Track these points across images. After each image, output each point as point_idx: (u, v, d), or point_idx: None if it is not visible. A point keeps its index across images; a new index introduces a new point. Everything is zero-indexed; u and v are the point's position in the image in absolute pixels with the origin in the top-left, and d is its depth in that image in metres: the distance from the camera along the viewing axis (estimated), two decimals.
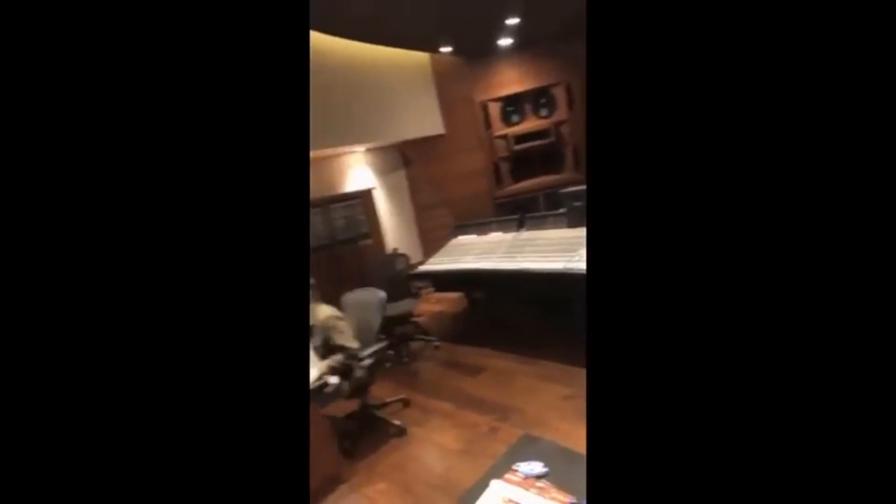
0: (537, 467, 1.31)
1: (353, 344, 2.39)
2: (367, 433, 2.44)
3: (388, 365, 2.57)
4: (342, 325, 2.39)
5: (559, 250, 2.96)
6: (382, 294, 2.54)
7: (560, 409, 2.34)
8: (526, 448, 1.47)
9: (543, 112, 4.86)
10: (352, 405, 2.53)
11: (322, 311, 2.40)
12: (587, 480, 0.66)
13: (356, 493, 2.03)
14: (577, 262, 2.68)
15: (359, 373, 2.30)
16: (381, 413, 2.55)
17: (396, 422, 2.47)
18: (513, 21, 4.04)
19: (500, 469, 1.36)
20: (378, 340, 2.42)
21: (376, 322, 2.47)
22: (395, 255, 4.25)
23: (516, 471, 1.32)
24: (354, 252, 4.10)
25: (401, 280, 3.63)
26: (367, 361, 2.31)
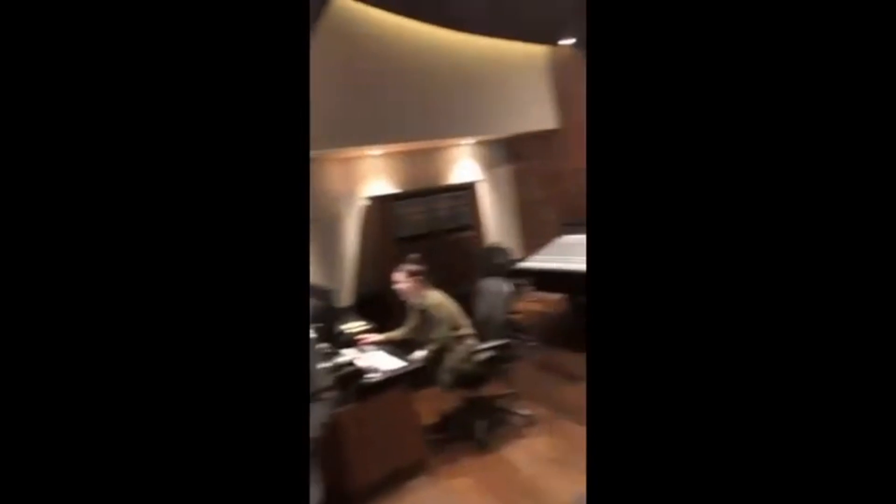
0: None
1: (468, 330, 2.32)
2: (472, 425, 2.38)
3: (505, 367, 2.39)
4: (452, 310, 2.33)
5: None
6: (509, 287, 2.41)
7: None
8: None
9: None
10: (455, 398, 2.45)
11: (433, 297, 2.35)
12: (587, 486, 0.67)
13: (438, 486, 1.99)
14: None
15: (466, 366, 2.23)
16: (501, 403, 2.46)
17: (525, 412, 2.38)
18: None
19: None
20: (499, 335, 2.29)
21: (500, 315, 2.36)
22: (496, 248, 4.18)
23: None
24: (456, 242, 4.12)
25: (501, 274, 3.55)
26: (487, 354, 2.22)
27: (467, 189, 4.25)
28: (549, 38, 4.31)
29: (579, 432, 2.20)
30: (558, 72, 4.57)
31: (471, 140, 4.67)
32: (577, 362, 2.99)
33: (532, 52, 4.45)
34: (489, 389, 2.42)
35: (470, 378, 2.27)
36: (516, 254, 4.34)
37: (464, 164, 4.76)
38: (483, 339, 2.32)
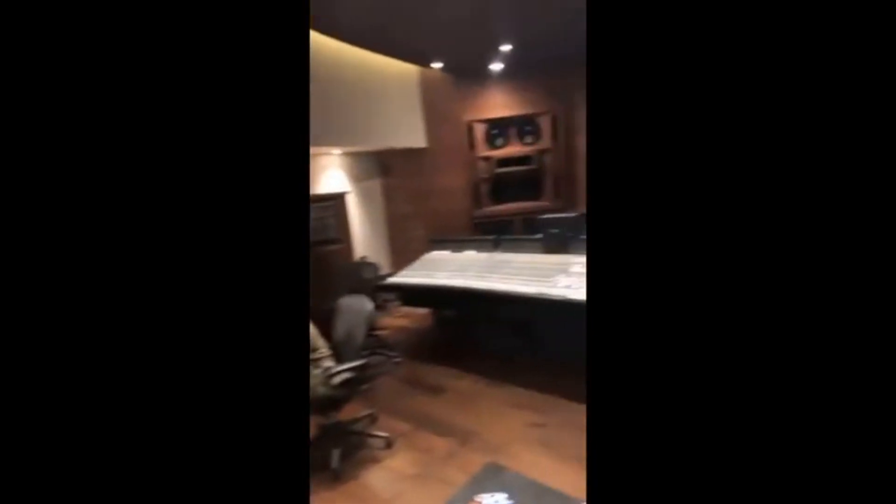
0: (502, 500, 1.21)
1: (324, 352, 2.16)
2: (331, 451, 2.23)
3: (364, 387, 2.26)
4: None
5: (534, 275, 2.90)
6: (371, 305, 2.28)
7: (525, 437, 2.22)
8: (490, 478, 1.35)
9: (528, 139, 4.91)
10: (311, 426, 2.26)
11: None
12: (587, 491, 0.65)
13: None
14: (552, 288, 2.63)
15: (322, 390, 2.09)
16: (359, 426, 2.32)
17: (382, 434, 2.27)
18: (506, 47, 4.09)
19: (461, 499, 1.24)
20: (359, 355, 2.15)
21: (361, 334, 2.20)
22: (364, 263, 4.09)
23: (479, 502, 1.21)
24: (323, 256, 3.93)
25: (367, 289, 3.47)
26: (343, 377, 2.07)
27: (335, 200, 4.11)
28: (421, 59, 4.46)
29: (440, 444, 2.22)
30: (429, 93, 4.74)
31: (340, 150, 4.55)
32: (440, 375, 3.05)
33: (406, 71, 4.55)
34: (347, 412, 2.31)
35: (326, 403, 2.12)
36: (384, 269, 4.31)
37: (332, 174, 4.61)
38: (342, 360, 2.21)
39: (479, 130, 4.89)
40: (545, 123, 4.87)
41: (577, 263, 2.85)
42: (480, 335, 3.45)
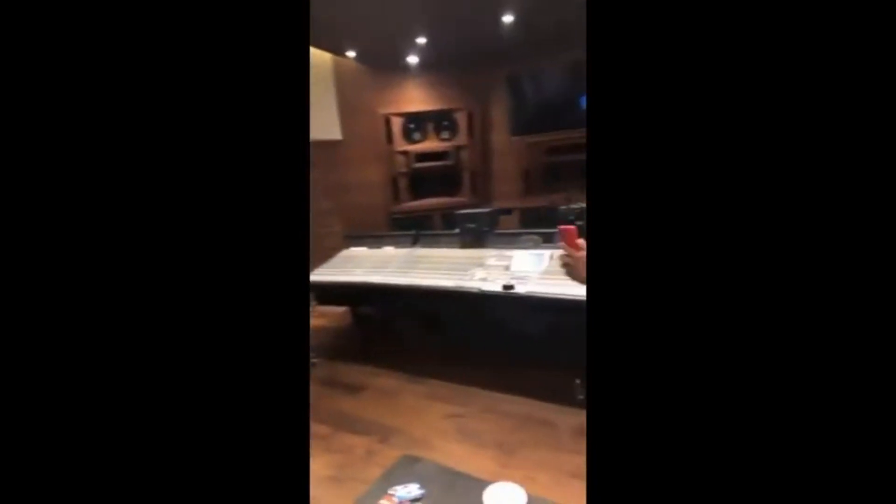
0: (413, 490, 1.24)
1: None
2: None
3: None
4: None
5: (452, 269, 2.95)
6: None
7: (442, 428, 2.26)
8: (404, 470, 1.37)
9: (445, 134, 4.97)
10: None
11: None
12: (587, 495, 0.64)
13: None
14: (469, 281, 2.69)
15: None
16: None
17: None
18: (421, 40, 4.09)
19: (376, 494, 1.25)
20: None
21: None
22: None
23: (392, 495, 1.23)
24: None
25: None
26: None
27: None
28: (333, 46, 4.30)
29: (358, 443, 2.19)
30: (344, 83, 4.60)
31: None
32: (359, 374, 3.00)
33: (319, 58, 4.37)
34: None
35: None
36: None
37: None
38: None
39: (397, 124, 4.85)
40: (462, 119, 4.96)
41: (493, 257, 2.96)
42: (399, 331, 3.45)
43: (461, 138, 4.99)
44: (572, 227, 1.08)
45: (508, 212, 4.78)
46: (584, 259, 1.05)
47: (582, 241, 1.07)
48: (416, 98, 4.89)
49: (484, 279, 2.69)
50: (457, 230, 3.35)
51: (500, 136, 5.08)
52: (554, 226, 2.81)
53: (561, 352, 2.11)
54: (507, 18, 3.77)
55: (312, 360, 3.22)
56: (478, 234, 3.27)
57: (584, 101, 4.61)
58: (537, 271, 2.68)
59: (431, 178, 4.97)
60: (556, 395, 2.36)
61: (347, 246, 3.75)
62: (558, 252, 2.62)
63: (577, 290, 1.90)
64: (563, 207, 2.88)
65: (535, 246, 2.96)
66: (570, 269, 1.08)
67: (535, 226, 3.58)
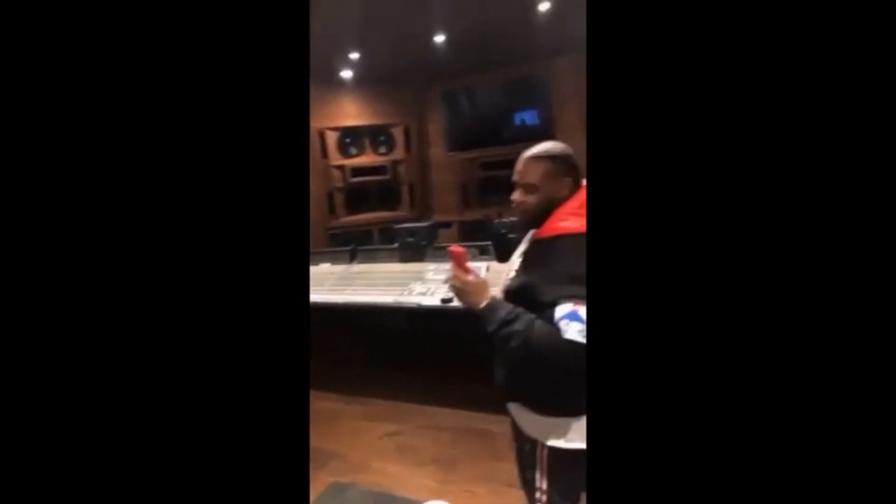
0: None
1: None
2: None
3: None
4: None
5: (391, 284, 2.93)
6: None
7: (381, 448, 2.22)
8: (333, 498, 1.33)
9: (382, 149, 4.96)
10: None
11: None
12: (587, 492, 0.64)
13: None
14: (408, 296, 2.69)
15: None
16: None
17: None
18: (354, 55, 4.08)
19: None
20: None
21: None
22: None
23: None
24: None
25: None
26: None
27: None
28: None
29: None
30: None
31: None
32: None
33: None
34: None
35: None
36: None
37: None
38: None
39: (332, 138, 4.78)
40: (398, 134, 4.99)
41: (431, 270, 2.97)
42: (337, 351, 3.36)
43: (398, 153, 5.01)
44: (461, 249, 1.05)
45: (448, 225, 4.85)
46: (474, 283, 1.04)
47: (471, 265, 1.06)
48: (351, 113, 4.85)
49: (423, 293, 2.70)
50: (395, 245, 3.34)
51: (438, 151, 5.16)
52: (492, 238, 2.89)
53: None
54: (439, 38, 3.87)
55: None
56: (417, 249, 3.27)
57: (517, 118, 4.81)
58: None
59: (369, 192, 4.94)
60: (493, 404, 2.40)
61: None
62: (495, 264, 2.70)
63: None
64: (496, 221, 2.96)
65: (473, 259, 3.02)
66: (458, 293, 1.05)
67: (475, 239, 3.65)
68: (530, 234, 1.16)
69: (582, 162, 1.00)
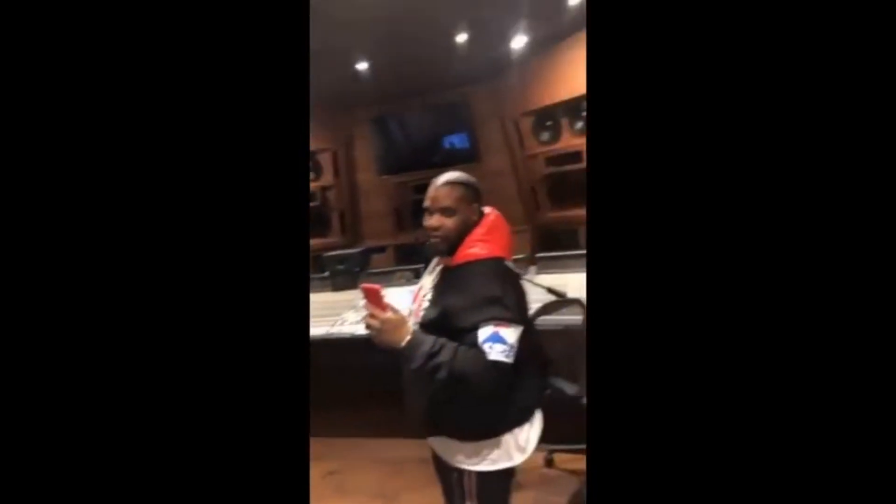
0: None
1: None
2: None
3: None
4: None
5: (324, 314, 2.83)
6: None
7: (321, 489, 2.11)
8: None
9: (310, 175, 4.85)
10: None
11: None
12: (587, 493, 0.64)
13: None
14: (341, 326, 2.61)
15: None
16: None
17: None
18: None
19: None
20: None
21: None
22: None
23: None
24: None
25: None
26: None
27: None
28: None
29: None
30: None
31: None
32: None
33: None
34: None
35: None
36: None
37: None
38: None
39: None
40: (326, 161, 4.91)
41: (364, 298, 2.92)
42: None
43: (327, 178, 4.92)
44: (375, 286, 1.01)
45: (382, 250, 4.80)
46: (393, 321, 1.00)
47: (388, 303, 1.01)
48: None
49: (357, 322, 2.63)
50: (326, 273, 3.25)
51: (367, 176, 5.14)
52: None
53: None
54: (362, 66, 3.90)
55: None
56: (349, 276, 3.20)
57: (446, 142, 4.93)
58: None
59: None
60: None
61: None
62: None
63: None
64: (428, 242, 2.99)
65: (409, 282, 3.01)
66: (376, 333, 0.99)
67: (410, 262, 3.64)
68: (434, 262, 1.17)
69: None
